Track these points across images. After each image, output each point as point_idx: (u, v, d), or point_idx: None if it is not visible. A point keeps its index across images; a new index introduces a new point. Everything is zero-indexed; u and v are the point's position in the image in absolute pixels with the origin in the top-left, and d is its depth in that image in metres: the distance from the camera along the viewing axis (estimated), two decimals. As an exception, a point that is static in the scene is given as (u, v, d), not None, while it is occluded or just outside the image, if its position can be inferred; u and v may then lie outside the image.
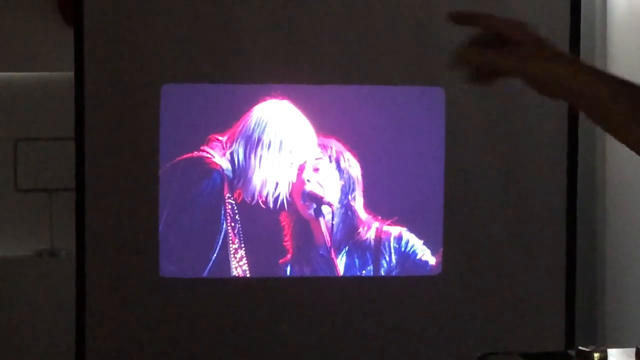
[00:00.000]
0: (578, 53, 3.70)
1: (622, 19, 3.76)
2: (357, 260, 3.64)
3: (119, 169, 3.54)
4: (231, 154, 3.56)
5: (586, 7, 3.79)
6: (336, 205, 3.60)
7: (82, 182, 3.55)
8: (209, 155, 3.55)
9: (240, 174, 3.56)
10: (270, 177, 3.56)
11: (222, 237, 3.56)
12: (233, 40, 3.55)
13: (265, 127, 3.56)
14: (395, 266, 3.65)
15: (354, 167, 3.60)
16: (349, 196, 3.61)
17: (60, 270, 4.21)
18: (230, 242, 3.56)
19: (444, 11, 3.56)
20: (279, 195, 3.57)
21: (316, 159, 3.58)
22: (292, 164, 3.57)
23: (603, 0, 3.85)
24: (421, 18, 3.60)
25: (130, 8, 3.52)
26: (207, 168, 3.55)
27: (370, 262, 3.64)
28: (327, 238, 3.59)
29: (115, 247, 3.54)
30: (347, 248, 3.63)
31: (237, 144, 3.56)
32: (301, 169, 3.58)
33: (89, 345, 3.57)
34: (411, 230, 3.65)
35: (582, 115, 3.73)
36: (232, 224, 3.56)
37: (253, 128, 3.56)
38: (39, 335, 4.29)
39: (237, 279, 3.59)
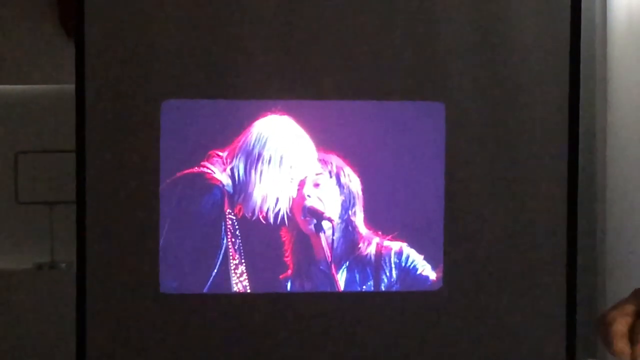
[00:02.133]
0: (578, 54, 3.69)
1: (622, 20, 3.75)
2: (357, 276, 3.63)
3: (119, 183, 3.53)
4: (231, 169, 3.56)
5: (586, 7, 3.79)
6: (336, 220, 3.59)
7: (82, 195, 3.55)
8: (209, 171, 3.54)
9: (241, 189, 3.56)
10: (271, 193, 3.56)
11: (222, 252, 3.55)
12: (233, 56, 3.54)
13: (265, 142, 3.55)
14: (396, 281, 3.65)
15: (354, 183, 3.60)
16: (349, 211, 3.60)
17: (61, 283, 4.22)
18: (231, 257, 3.56)
19: (444, 25, 3.60)
20: (279, 210, 3.56)
21: (316, 174, 3.58)
22: (292, 179, 3.57)
23: (603, 1, 3.85)
24: (421, 33, 3.60)
25: (131, 22, 3.52)
26: (208, 184, 3.55)
27: (370, 278, 3.64)
28: (328, 253, 3.58)
29: (116, 262, 3.54)
30: (347, 263, 3.62)
31: (238, 159, 3.56)
32: (301, 184, 3.57)
33: (89, 359, 3.57)
34: (411, 245, 3.64)
35: (582, 130, 3.75)
36: (233, 240, 3.55)
37: (253, 144, 3.56)
38: (39, 348, 4.29)
39: (238, 294, 3.59)
